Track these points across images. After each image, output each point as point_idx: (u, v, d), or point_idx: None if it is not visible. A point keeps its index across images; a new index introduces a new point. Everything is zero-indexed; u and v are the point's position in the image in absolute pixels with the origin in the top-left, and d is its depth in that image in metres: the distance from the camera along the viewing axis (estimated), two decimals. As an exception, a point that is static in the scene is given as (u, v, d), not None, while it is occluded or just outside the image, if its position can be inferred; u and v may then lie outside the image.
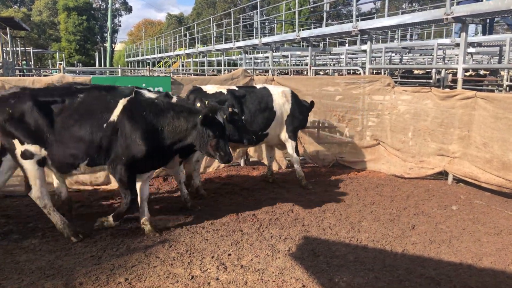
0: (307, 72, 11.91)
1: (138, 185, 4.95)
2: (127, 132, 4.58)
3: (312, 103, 7.17)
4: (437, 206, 6.12)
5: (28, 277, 3.90)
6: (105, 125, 4.57)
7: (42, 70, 18.92)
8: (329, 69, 17.40)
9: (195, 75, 17.13)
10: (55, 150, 4.56)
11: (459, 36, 7.87)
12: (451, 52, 17.39)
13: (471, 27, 14.13)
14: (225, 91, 6.42)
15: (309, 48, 13.99)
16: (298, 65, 23.66)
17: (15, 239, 4.74)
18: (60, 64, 20.12)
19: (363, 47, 16.86)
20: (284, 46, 18.38)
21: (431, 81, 9.68)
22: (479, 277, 4.05)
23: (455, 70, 7.96)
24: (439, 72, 9.44)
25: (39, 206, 4.74)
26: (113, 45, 59.79)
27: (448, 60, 18.28)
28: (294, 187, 7.03)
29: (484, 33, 13.53)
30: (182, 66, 28.05)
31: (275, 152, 7.79)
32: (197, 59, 26.90)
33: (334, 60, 22.83)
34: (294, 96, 7.01)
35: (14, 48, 18.57)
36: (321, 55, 23.03)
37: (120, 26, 67.99)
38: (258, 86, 7.03)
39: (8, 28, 16.06)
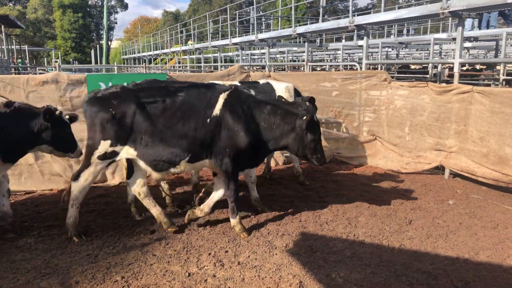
0: (304, 68, 11.88)
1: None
2: (230, 124, 4.66)
3: (313, 99, 7.15)
4: (434, 201, 6.13)
5: (24, 276, 3.88)
6: (208, 120, 4.64)
7: (37, 68, 18.82)
8: (326, 65, 17.38)
9: (191, 72, 17.08)
10: (152, 149, 4.59)
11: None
12: (447, 46, 17.37)
13: (469, 21, 14.08)
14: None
15: (306, 44, 13.94)
16: (295, 61, 23.61)
17: (10, 238, 4.72)
18: (56, 62, 20.04)
19: (360, 42, 16.82)
20: (281, 42, 18.30)
21: (428, 76, 9.66)
22: (476, 271, 4.06)
23: (451, 65, 7.96)
24: (435, 67, 9.43)
25: (72, 196, 4.72)
26: (109, 42, 59.49)
27: (445, 55, 18.26)
28: (291, 183, 7.03)
29: (480, 28, 13.53)
30: (179, 63, 27.97)
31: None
32: (194, 56, 26.81)
33: (330, 55, 22.79)
34: (296, 92, 7.01)
35: (9, 46, 18.45)
36: (317, 51, 22.97)
37: (116, 23, 67.89)
38: (261, 81, 7.02)
39: (2, 26, 15.94)
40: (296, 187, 6.83)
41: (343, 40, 24.23)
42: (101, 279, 3.84)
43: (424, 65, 13.36)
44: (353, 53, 20.83)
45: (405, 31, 22.68)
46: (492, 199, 6.26)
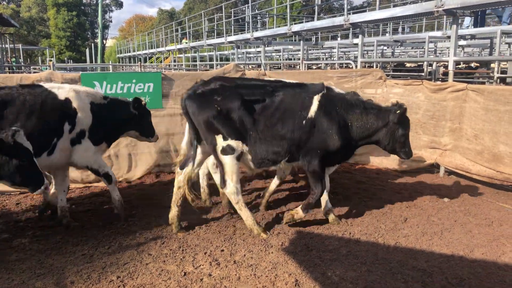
0: (299, 66, 11.88)
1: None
2: (324, 127, 4.72)
3: None
4: (429, 199, 6.15)
5: (19, 276, 3.86)
6: (304, 121, 4.70)
7: (32, 67, 18.69)
8: (321, 63, 17.38)
9: (187, 71, 17.03)
10: (258, 147, 4.67)
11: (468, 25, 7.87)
12: (442, 45, 17.45)
13: (467, 20, 14.14)
14: None
15: (301, 42, 13.94)
16: (290, 59, 23.59)
17: (5, 239, 4.69)
18: (51, 61, 19.88)
19: (355, 40, 16.86)
20: (276, 40, 18.30)
21: (423, 74, 9.70)
22: (471, 268, 4.08)
23: (446, 63, 7.98)
24: (430, 65, 9.45)
25: (232, 201, 4.82)
26: (104, 41, 59.20)
27: (440, 53, 18.34)
28: (287, 182, 7.02)
29: (475, 26, 13.58)
30: (174, 61, 27.87)
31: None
32: (189, 55, 26.74)
33: (326, 54, 22.81)
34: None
35: (3, 45, 18.33)
36: (313, 49, 22.99)
37: (111, 21, 67.55)
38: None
39: (-4, 25, 15.83)
40: (292, 185, 6.83)
41: (339, 38, 24.27)
42: (96, 279, 3.83)
43: (419, 63, 13.39)
44: (349, 51, 20.85)
45: (400, 29, 22.72)
46: (487, 196, 6.29)
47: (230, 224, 5.15)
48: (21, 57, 24.50)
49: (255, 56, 25.45)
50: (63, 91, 4.82)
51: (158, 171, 7.31)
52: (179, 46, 26.14)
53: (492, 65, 9.71)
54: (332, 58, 21.39)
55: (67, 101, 4.78)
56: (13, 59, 22.14)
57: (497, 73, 8.15)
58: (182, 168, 5.01)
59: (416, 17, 9.71)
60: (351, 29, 13.61)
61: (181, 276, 3.90)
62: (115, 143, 5.87)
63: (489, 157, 6.34)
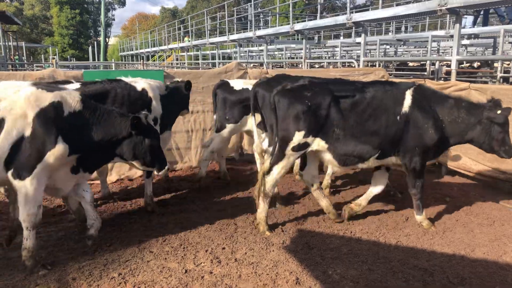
0: (301, 65, 11.87)
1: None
2: (420, 122, 4.66)
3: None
4: (430, 198, 6.14)
5: (21, 273, 3.87)
6: (398, 117, 4.65)
7: (35, 65, 18.75)
8: (324, 62, 17.37)
9: (189, 69, 17.04)
10: (342, 144, 4.64)
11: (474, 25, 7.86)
12: (445, 44, 17.40)
13: (470, 19, 14.12)
14: (250, 87, 6.33)
15: (304, 41, 13.95)
16: (292, 58, 23.59)
17: (7, 235, 4.70)
18: (53, 58, 19.93)
19: (358, 39, 16.83)
20: (279, 39, 18.33)
21: (426, 73, 9.69)
22: (472, 268, 4.08)
23: (449, 62, 7.96)
24: (433, 64, 9.43)
25: (265, 189, 4.79)
26: (107, 39, 59.27)
27: (443, 52, 18.29)
28: (288, 181, 7.02)
29: (474, 25, 13.54)
30: (177, 60, 27.89)
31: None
32: (192, 53, 26.75)
33: (328, 53, 22.79)
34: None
35: (6, 43, 18.35)
36: (315, 48, 22.98)
37: (113, 20, 67.44)
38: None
39: (0, 23, 15.87)
40: (293, 184, 6.83)
41: (341, 37, 24.25)
42: (98, 276, 3.84)
43: (422, 62, 13.36)
44: (351, 50, 20.83)
45: (403, 28, 22.67)
46: (489, 196, 6.27)
47: (231, 222, 5.15)
48: (24, 54, 24.57)
49: (257, 55, 25.45)
50: (139, 84, 5.32)
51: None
52: (181, 45, 26.16)
53: (495, 64, 9.69)
54: (334, 57, 21.36)
55: (144, 91, 5.28)
56: (16, 57, 22.20)
57: (500, 72, 8.14)
58: (268, 173, 4.91)
59: (419, 16, 9.70)
60: (353, 28, 13.59)
61: (182, 273, 3.91)
62: None
63: (491, 157, 6.29)
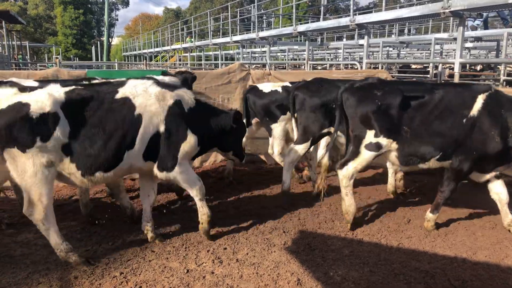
0: (304, 67, 11.88)
1: None
2: (485, 128, 4.53)
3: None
4: (432, 200, 6.11)
5: (23, 271, 3.89)
6: (464, 120, 4.56)
7: (38, 64, 18.81)
8: (326, 64, 17.37)
9: (192, 69, 17.04)
10: (408, 144, 4.63)
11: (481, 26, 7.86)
12: (448, 46, 17.38)
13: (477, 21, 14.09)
14: (280, 89, 6.42)
15: (307, 42, 13.94)
16: (295, 59, 23.60)
17: (10, 234, 4.73)
18: (57, 58, 19.98)
19: (361, 41, 16.83)
20: (282, 41, 18.32)
21: (429, 75, 9.67)
22: (474, 271, 4.07)
23: (452, 65, 7.96)
24: (436, 67, 9.43)
25: (342, 184, 4.91)
26: (110, 39, 59.41)
27: (446, 55, 18.27)
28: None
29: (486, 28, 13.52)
30: (179, 60, 27.93)
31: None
32: (194, 54, 26.79)
33: (331, 54, 22.82)
34: None
35: (10, 42, 18.44)
36: (318, 50, 23.00)
37: (117, 20, 67.72)
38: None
39: (3, 22, 15.93)
40: (295, 185, 6.84)
41: (344, 39, 24.24)
42: (99, 275, 3.86)
43: (425, 65, 13.35)
44: (354, 52, 20.84)
45: (406, 31, 22.67)
46: (491, 199, 6.24)
47: (233, 222, 5.15)
48: (28, 54, 24.65)
49: (260, 56, 25.47)
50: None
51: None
52: (184, 45, 26.20)
53: (498, 67, 9.67)
54: (337, 59, 21.38)
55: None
56: (20, 56, 22.27)
57: (504, 75, 8.12)
58: (341, 168, 5.00)
59: (422, 18, 9.71)
60: (356, 30, 13.58)
61: (183, 273, 3.92)
62: None
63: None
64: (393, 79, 4.94)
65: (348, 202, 4.95)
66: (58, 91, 3.79)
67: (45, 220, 3.77)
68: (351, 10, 10.82)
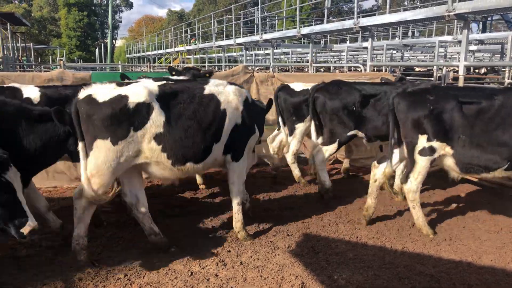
0: (308, 69, 11.88)
1: None
2: None
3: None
4: (437, 204, 6.11)
5: (27, 272, 3.90)
6: None
7: (42, 66, 18.90)
8: (330, 66, 17.37)
9: (195, 72, 17.03)
10: (467, 151, 4.52)
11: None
12: (452, 49, 17.34)
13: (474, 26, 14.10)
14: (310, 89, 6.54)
15: (310, 45, 13.96)
16: (299, 62, 23.60)
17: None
18: (61, 60, 20.07)
19: (364, 44, 16.83)
20: (285, 43, 18.34)
21: (433, 78, 9.65)
22: (479, 275, 4.05)
23: (456, 68, 7.94)
24: (440, 70, 9.41)
25: (408, 198, 4.93)
26: (114, 41, 59.73)
27: (450, 58, 18.23)
28: (294, 185, 7.01)
29: (484, 31, 13.50)
30: (183, 62, 28.00)
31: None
32: (198, 56, 26.84)
33: (335, 57, 22.80)
34: None
35: (15, 44, 18.52)
36: (322, 52, 22.98)
37: (121, 22, 68.12)
38: None
39: (8, 24, 16.02)
40: (299, 188, 6.82)
41: (348, 42, 24.24)
42: (104, 277, 3.86)
43: (429, 68, 13.33)
44: (358, 55, 20.82)
45: (410, 33, 22.64)
46: (496, 202, 6.22)
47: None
48: (32, 56, 24.79)
49: (263, 58, 25.50)
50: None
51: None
52: (188, 47, 26.27)
53: (502, 70, 9.64)
54: (341, 61, 21.34)
55: None
56: (24, 58, 22.38)
57: (508, 78, 8.10)
58: (379, 162, 5.11)
59: (426, 21, 9.69)
60: (360, 32, 13.58)
61: (187, 275, 3.92)
62: None
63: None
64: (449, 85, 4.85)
65: (416, 216, 4.94)
66: (152, 84, 4.09)
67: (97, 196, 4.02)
68: (355, 13, 10.82)
